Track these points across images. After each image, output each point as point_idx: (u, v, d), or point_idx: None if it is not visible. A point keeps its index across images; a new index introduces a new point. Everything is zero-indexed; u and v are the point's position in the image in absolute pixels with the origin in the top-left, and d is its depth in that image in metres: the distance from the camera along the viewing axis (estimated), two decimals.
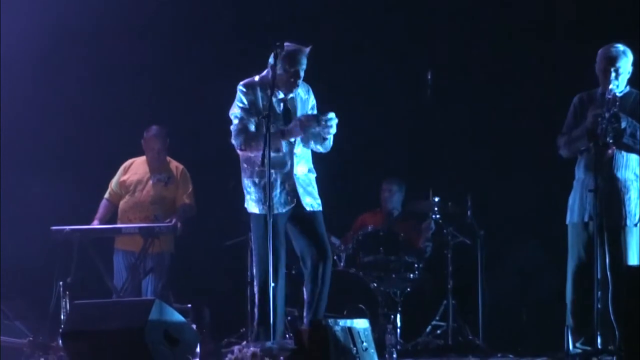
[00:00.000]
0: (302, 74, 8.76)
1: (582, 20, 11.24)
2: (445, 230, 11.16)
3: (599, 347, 8.30)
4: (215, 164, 11.40)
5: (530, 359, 8.98)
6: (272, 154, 8.56)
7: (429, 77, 8.92)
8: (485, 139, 11.26)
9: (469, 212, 11.07)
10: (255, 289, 8.90)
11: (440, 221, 11.14)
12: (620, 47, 8.67)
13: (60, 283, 10.74)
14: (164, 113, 11.77)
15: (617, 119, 8.44)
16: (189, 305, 10.00)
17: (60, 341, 9.37)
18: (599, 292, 8.37)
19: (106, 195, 11.21)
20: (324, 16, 11.71)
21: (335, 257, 10.72)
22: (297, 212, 8.89)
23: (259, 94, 8.76)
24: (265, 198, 8.63)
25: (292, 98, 8.86)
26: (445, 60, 11.34)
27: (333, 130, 8.58)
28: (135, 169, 11.24)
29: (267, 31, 11.52)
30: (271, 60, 8.72)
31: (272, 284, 8.99)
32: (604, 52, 8.68)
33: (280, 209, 8.79)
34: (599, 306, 8.35)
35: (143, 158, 11.24)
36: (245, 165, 8.86)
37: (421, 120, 9.29)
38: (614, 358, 8.14)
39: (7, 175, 11.67)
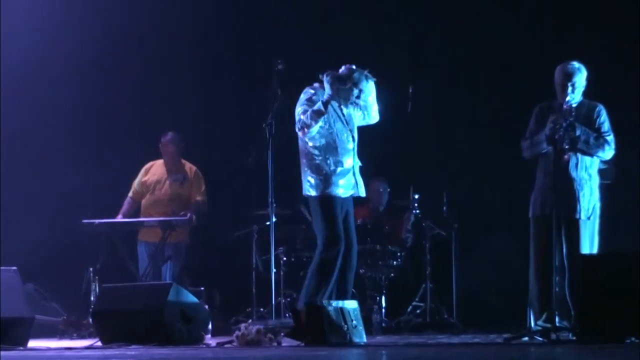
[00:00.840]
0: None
1: (542, 41, 11.24)
2: (423, 224, 11.15)
3: (557, 324, 8.26)
4: (225, 165, 11.38)
5: (497, 335, 8.87)
6: (343, 147, 8.73)
7: (410, 91, 8.88)
8: (459, 144, 11.24)
9: (444, 208, 11.09)
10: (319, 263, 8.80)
11: (419, 215, 11.13)
12: (576, 64, 8.67)
13: (91, 269, 10.78)
14: (181, 120, 11.68)
15: (573, 128, 8.46)
16: (202, 288, 10.03)
17: (91, 319, 9.45)
18: (557, 277, 8.34)
19: (130, 194, 11.19)
20: (323, 27, 11.66)
21: None
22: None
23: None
24: (325, 184, 8.70)
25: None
26: (425, 75, 11.33)
27: (367, 92, 8.71)
28: (154, 170, 11.22)
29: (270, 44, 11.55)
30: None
31: (274, 270, 9.05)
32: (562, 69, 8.67)
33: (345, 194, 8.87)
34: (557, 289, 8.32)
35: (161, 161, 11.22)
36: (317, 153, 8.80)
37: (404, 128, 9.27)
38: (570, 334, 8.09)
39: (43, 172, 11.67)
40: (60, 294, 11.27)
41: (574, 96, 8.57)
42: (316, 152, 8.70)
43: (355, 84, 8.70)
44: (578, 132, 8.48)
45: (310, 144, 8.70)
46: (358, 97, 8.75)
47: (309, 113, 8.62)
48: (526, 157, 8.79)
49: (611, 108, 8.75)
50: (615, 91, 9.35)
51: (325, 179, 8.67)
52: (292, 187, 9.32)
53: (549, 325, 8.31)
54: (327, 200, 8.69)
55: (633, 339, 7.64)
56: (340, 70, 8.78)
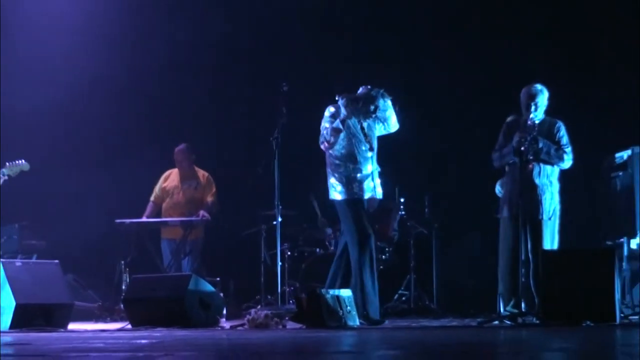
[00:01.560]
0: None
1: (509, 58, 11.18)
2: (408, 223, 11.10)
3: (523, 310, 8.30)
4: (237, 173, 11.36)
5: (472, 319, 8.94)
6: (362, 155, 8.74)
7: (397, 108, 8.88)
8: (440, 155, 11.21)
9: (426, 210, 11.08)
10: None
11: (404, 216, 11.09)
12: (539, 86, 8.71)
13: (122, 262, 10.78)
14: (200, 132, 11.70)
15: (536, 141, 8.50)
16: (218, 279, 10.00)
17: (122, 305, 9.47)
18: (523, 270, 8.35)
19: (152, 198, 11.13)
20: (322, 55, 11.55)
21: (327, 243, 10.78)
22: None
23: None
24: (348, 188, 8.70)
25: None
26: (413, 94, 11.27)
27: (383, 108, 8.69)
28: (172, 178, 11.18)
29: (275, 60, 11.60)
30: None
31: (280, 263, 9.08)
32: (527, 90, 8.70)
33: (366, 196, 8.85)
34: (523, 280, 8.33)
35: (176, 170, 11.19)
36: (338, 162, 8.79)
37: (392, 140, 9.27)
38: (534, 318, 8.13)
39: (79, 179, 11.58)
40: (96, 284, 11.34)
41: (537, 114, 8.60)
42: (337, 161, 8.70)
43: (370, 102, 8.74)
44: (541, 145, 8.53)
45: (333, 154, 8.72)
46: (374, 112, 8.75)
47: (329, 130, 8.65)
48: (496, 167, 8.81)
49: (569, 123, 8.84)
50: (571, 108, 9.35)
51: (348, 184, 8.66)
52: (295, 192, 9.38)
53: (516, 311, 8.35)
54: (352, 203, 8.68)
55: (588, 322, 7.68)
56: (359, 92, 8.83)
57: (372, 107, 8.76)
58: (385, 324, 8.57)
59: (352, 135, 8.76)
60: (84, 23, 11.97)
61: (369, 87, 8.81)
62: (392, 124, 8.90)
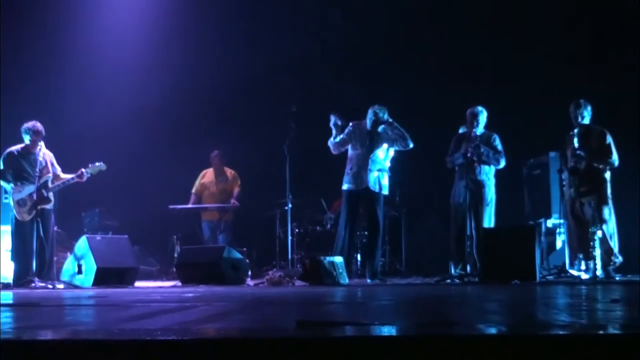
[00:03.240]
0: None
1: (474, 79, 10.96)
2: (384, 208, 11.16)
3: (468, 272, 8.39)
4: (256, 170, 11.32)
5: (430, 279, 8.90)
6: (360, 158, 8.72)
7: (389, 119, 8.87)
8: (408, 158, 11.11)
9: (397, 198, 11.09)
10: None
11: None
12: (480, 108, 8.70)
13: (174, 237, 10.86)
14: (230, 140, 11.45)
15: (479, 148, 8.56)
16: (244, 249, 9.98)
17: (174, 269, 9.48)
18: (468, 242, 8.46)
19: (193, 190, 11.08)
20: (326, 81, 11.26)
21: (324, 223, 10.79)
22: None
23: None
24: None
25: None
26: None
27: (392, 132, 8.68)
28: (208, 175, 11.17)
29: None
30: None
31: (290, 238, 8.98)
32: (471, 111, 8.70)
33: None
34: (468, 250, 8.44)
35: (212, 169, 11.21)
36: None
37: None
38: (476, 278, 8.19)
39: (142, 171, 11.48)
40: (155, 253, 11.38)
41: (478, 128, 8.68)
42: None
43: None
44: (482, 150, 8.60)
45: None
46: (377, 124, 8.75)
47: (335, 144, 8.75)
48: (449, 167, 8.86)
49: (503, 134, 8.85)
50: (504, 123, 9.34)
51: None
52: (301, 185, 9.38)
53: (462, 272, 8.42)
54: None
55: (516, 281, 7.73)
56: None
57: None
58: (354, 281, 8.67)
59: (356, 142, 8.78)
60: (144, 52, 11.92)
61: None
62: (402, 145, 8.85)
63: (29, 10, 11.55)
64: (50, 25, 11.62)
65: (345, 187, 8.85)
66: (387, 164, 8.97)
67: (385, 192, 8.89)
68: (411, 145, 8.78)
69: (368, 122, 8.79)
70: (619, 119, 9.04)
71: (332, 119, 8.78)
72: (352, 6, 11.63)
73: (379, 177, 8.82)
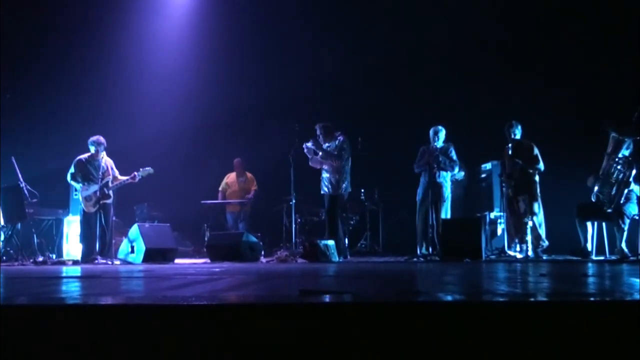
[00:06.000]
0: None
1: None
2: (366, 203, 11.15)
3: (431, 252, 8.40)
4: (268, 172, 11.28)
5: (402, 257, 8.85)
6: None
7: (360, 140, 8.91)
8: (387, 163, 11.04)
9: (376, 195, 11.16)
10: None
11: (363, 199, 11.15)
12: (440, 127, 8.75)
13: (205, 225, 10.87)
14: (247, 150, 11.55)
15: (438, 158, 8.60)
16: (259, 234, 10.00)
17: (205, 249, 9.46)
18: (430, 229, 8.47)
19: (220, 189, 11.09)
20: (323, 103, 11.17)
21: (320, 214, 10.70)
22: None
23: None
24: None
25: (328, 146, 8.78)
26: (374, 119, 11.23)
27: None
28: (231, 177, 11.15)
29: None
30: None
31: (294, 226, 8.90)
32: (434, 129, 8.73)
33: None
34: (430, 235, 8.46)
35: (234, 172, 11.16)
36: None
37: (358, 155, 9.19)
38: (437, 257, 8.17)
39: (181, 176, 11.43)
40: (191, 237, 11.38)
41: (439, 143, 8.70)
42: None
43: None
44: (441, 159, 8.62)
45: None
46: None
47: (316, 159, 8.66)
48: (416, 172, 8.86)
49: (458, 145, 8.86)
50: (459, 137, 9.34)
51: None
52: (302, 186, 9.37)
53: (426, 253, 8.45)
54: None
55: (467, 259, 7.72)
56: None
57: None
58: (343, 260, 8.59)
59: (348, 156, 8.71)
60: (182, 82, 11.87)
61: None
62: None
63: (82, 41, 11.45)
64: (105, 56, 11.54)
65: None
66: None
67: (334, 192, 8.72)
68: (340, 163, 8.65)
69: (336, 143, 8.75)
70: (543, 134, 9.04)
71: (307, 146, 8.71)
72: (341, 40, 11.58)
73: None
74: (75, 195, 9.40)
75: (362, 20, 11.66)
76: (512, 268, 5.78)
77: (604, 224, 8.20)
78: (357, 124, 10.44)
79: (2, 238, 8.82)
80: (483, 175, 10.11)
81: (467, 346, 2.12)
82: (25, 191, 8.84)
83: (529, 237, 8.14)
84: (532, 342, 2.13)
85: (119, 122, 11.03)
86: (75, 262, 8.60)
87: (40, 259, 8.86)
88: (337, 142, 8.71)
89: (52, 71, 11.42)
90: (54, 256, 9.61)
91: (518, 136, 8.52)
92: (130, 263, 8.50)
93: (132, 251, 8.73)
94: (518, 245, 8.33)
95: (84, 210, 8.81)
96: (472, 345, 2.12)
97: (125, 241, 8.94)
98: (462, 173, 9.43)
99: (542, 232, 8.34)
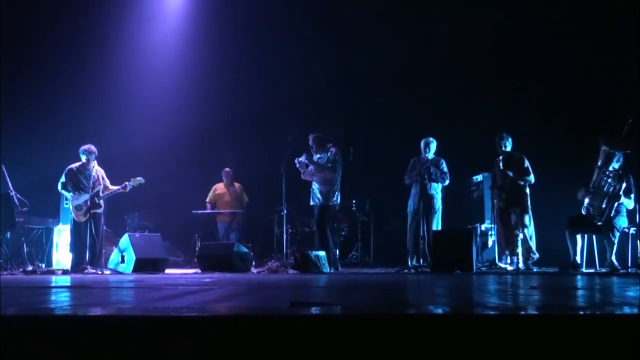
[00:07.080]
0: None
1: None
2: (357, 214, 11.12)
3: (422, 264, 8.37)
4: (259, 183, 11.28)
5: (392, 268, 8.90)
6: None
7: (351, 151, 8.87)
8: (377, 175, 11.12)
9: (367, 207, 11.15)
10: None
11: (354, 210, 11.13)
12: (431, 138, 8.78)
13: (196, 234, 10.83)
14: (239, 160, 11.49)
15: (429, 169, 8.61)
16: (250, 244, 9.96)
17: (196, 259, 9.43)
18: (422, 241, 8.45)
19: (207, 200, 11.00)
20: (316, 115, 11.19)
21: (311, 225, 10.65)
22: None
23: None
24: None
25: (319, 157, 8.76)
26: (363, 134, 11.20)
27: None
28: (220, 188, 11.08)
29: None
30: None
31: (285, 236, 8.87)
32: (425, 140, 8.75)
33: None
34: (421, 247, 8.44)
35: (222, 183, 11.10)
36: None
37: (349, 168, 9.20)
38: (428, 269, 8.15)
39: (170, 186, 11.34)
40: (181, 247, 11.34)
41: (430, 154, 8.72)
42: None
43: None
44: (432, 171, 8.64)
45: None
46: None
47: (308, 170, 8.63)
48: (407, 183, 8.86)
49: (449, 158, 8.88)
50: (450, 149, 9.36)
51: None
52: (293, 196, 9.37)
53: (417, 264, 8.43)
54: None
55: (458, 271, 7.73)
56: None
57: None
58: (341, 271, 8.59)
59: (340, 166, 8.68)
60: (173, 92, 11.86)
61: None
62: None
63: (82, 48, 11.43)
64: (101, 63, 11.51)
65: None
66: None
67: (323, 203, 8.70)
68: (332, 175, 8.64)
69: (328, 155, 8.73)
70: (534, 146, 9.09)
71: (299, 161, 8.70)
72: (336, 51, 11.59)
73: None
74: (66, 204, 9.36)
75: (355, 32, 11.70)
76: (502, 280, 5.79)
77: (594, 236, 8.23)
78: (348, 135, 10.46)
79: None
80: (474, 187, 10.14)
81: (457, 359, 2.12)
82: (15, 200, 8.80)
83: (519, 249, 8.15)
84: (522, 355, 2.13)
85: (111, 132, 11.00)
86: (64, 272, 8.54)
87: (30, 268, 8.81)
88: (329, 153, 8.69)
89: (43, 79, 11.38)
90: (44, 265, 9.55)
91: (509, 148, 8.55)
92: (120, 273, 8.44)
93: (123, 261, 8.67)
94: (509, 257, 8.34)
95: (74, 220, 8.77)
96: (463, 358, 2.12)
97: (115, 251, 8.89)
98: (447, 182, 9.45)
99: (533, 244, 8.35)
